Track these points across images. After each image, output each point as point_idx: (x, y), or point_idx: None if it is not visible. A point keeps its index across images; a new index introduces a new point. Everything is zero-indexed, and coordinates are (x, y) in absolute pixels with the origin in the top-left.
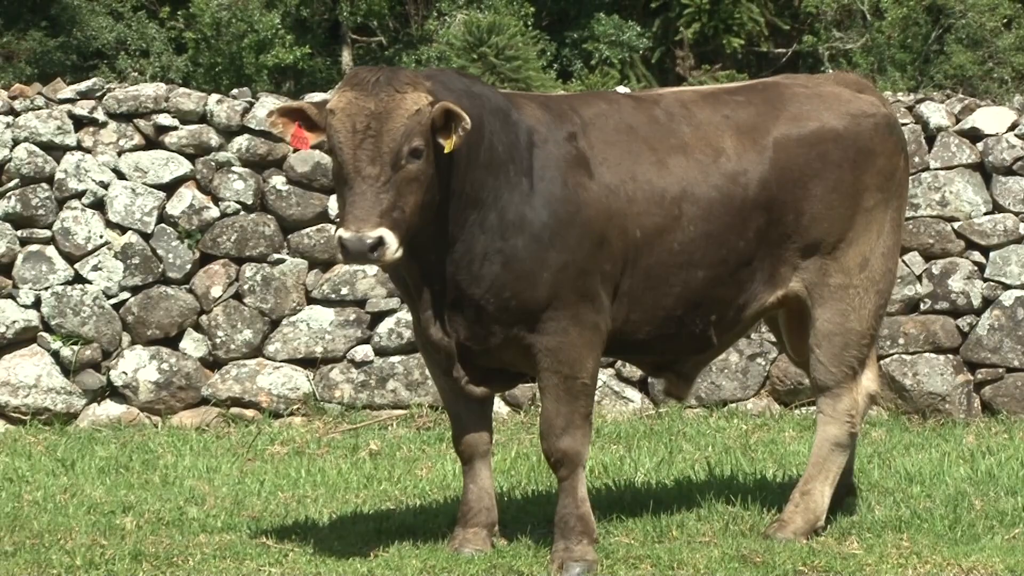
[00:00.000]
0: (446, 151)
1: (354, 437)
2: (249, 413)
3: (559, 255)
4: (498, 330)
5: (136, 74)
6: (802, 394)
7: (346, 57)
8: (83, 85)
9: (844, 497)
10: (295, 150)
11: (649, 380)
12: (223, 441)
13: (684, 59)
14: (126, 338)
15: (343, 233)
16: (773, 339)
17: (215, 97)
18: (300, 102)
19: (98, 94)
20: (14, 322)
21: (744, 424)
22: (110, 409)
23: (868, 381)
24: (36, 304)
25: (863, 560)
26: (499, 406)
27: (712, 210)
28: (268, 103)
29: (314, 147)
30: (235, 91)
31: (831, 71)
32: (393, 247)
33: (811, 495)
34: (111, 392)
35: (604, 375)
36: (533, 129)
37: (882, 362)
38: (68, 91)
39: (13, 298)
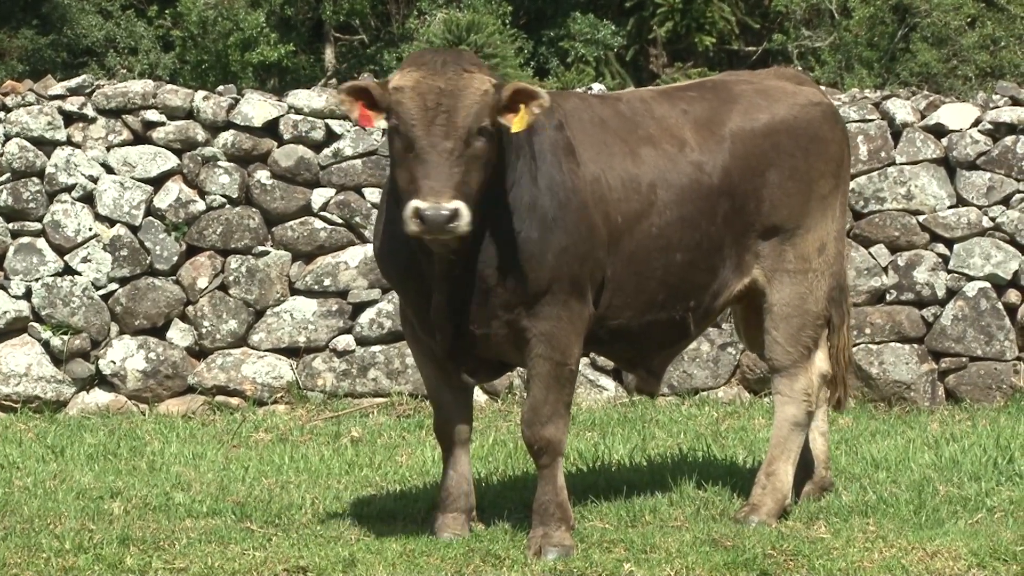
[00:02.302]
0: (513, 130)
1: (336, 424)
2: (234, 401)
3: (561, 239)
4: (502, 314)
5: (124, 71)
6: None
7: (329, 55)
8: (73, 82)
9: (803, 481)
10: (360, 126)
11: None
12: (209, 428)
13: (657, 57)
14: (114, 328)
15: (420, 204)
16: None
17: (201, 94)
18: (365, 80)
19: (88, 90)
20: (5, 312)
21: (715, 412)
22: (99, 397)
23: (820, 361)
24: (27, 295)
25: (830, 544)
26: (477, 394)
27: (684, 196)
28: (253, 99)
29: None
30: (221, 88)
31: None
32: (467, 219)
33: (776, 475)
34: (100, 381)
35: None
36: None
37: None
38: (58, 88)
39: (4, 289)
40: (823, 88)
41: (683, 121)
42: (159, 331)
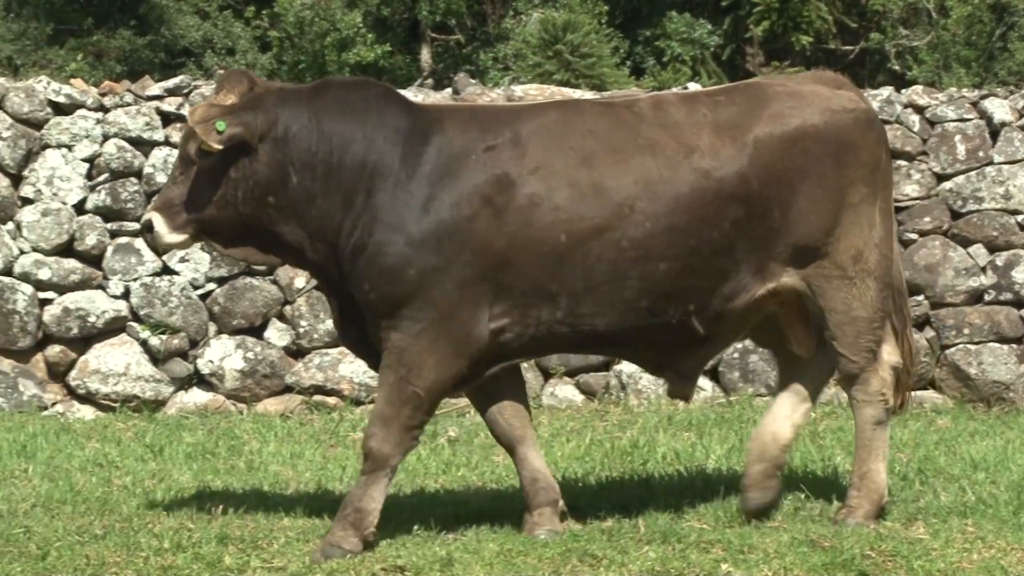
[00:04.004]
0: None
1: (433, 424)
2: (331, 400)
3: (429, 259)
4: (377, 322)
5: (222, 72)
6: None
7: (425, 55)
8: (171, 82)
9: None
10: None
11: (720, 369)
12: (306, 428)
13: (754, 56)
14: (212, 328)
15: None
16: None
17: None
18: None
19: (185, 91)
20: (104, 312)
21: (812, 412)
22: (197, 396)
23: (888, 355)
24: (125, 295)
25: (929, 545)
26: (573, 394)
27: (679, 204)
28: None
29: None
30: None
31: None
32: (160, 229)
33: (869, 476)
34: (198, 380)
35: None
36: (434, 139)
37: (947, 351)
38: (156, 88)
39: (103, 289)
40: (863, 92)
41: (702, 125)
42: (257, 331)
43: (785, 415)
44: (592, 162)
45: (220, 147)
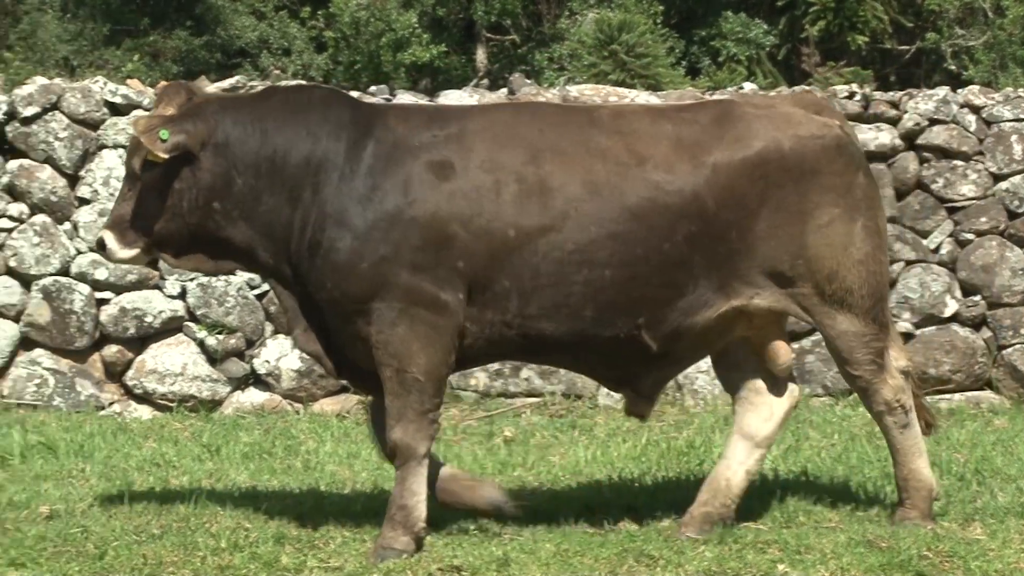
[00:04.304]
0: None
1: (489, 424)
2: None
3: (378, 248)
4: (344, 325)
5: (278, 72)
6: (927, 383)
7: (480, 55)
8: (227, 82)
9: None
10: None
11: None
12: (362, 428)
13: (809, 56)
14: (268, 327)
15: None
16: (900, 330)
17: (354, 94)
18: None
19: (240, 91)
20: (161, 312)
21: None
22: (253, 396)
23: (895, 360)
24: (182, 295)
25: (986, 545)
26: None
27: (625, 212)
28: (405, 100)
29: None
30: (373, 88)
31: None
32: (112, 246)
33: (913, 476)
34: (254, 380)
35: None
36: (377, 132)
37: (1004, 351)
38: (212, 88)
39: (160, 289)
40: (843, 115)
41: (661, 139)
42: None
43: (740, 461)
44: (539, 160)
45: (166, 155)
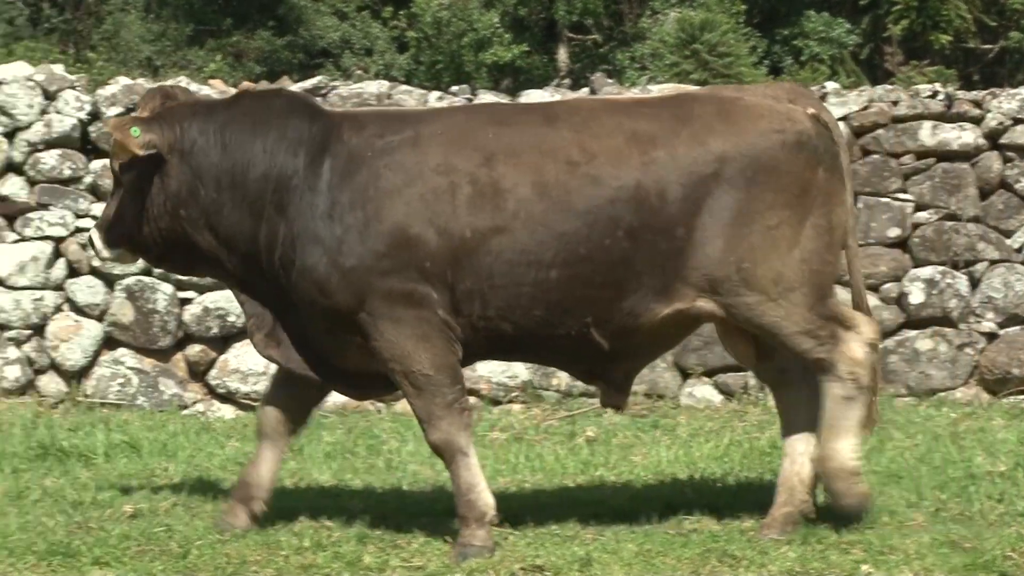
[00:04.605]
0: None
1: (571, 424)
2: (470, 400)
3: (346, 260)
4: (328, 334)
5: (360, 72)
6: (1011, 383)
7: (562, 55)
8: (309, 83)
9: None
10: None
11: None
12: None
13: (892, 55)
14: None
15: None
16: (983, 330)
17: (435, 94)
18: None
19: (323, 91)
20: None
21: (953, 413)
22: (336, 396)
23: (861, 333)
24: None
25: None
26: (711, 394)
27: (569, 211)
28: (487, 100)
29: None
30: (455, 88)
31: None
32: (98, 245)
33: (832, 456)
34: None
35: None
36: (333, 145)
37: None
38: (294, 89)
39: None
40: (822, 103)
41: (614, 135)
42: None
43: (801, 452)
44: (492, 163)
45: (141, 152)
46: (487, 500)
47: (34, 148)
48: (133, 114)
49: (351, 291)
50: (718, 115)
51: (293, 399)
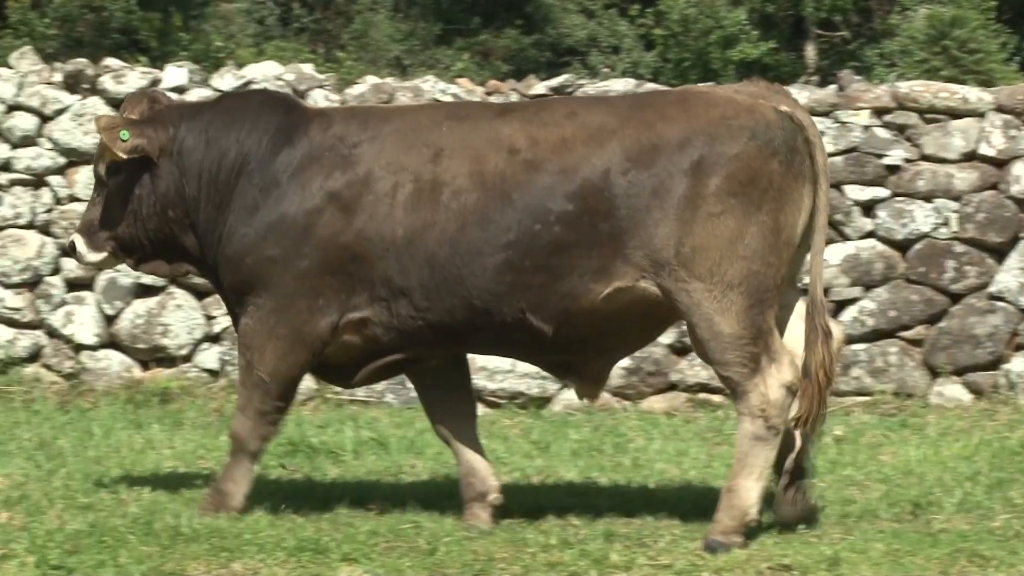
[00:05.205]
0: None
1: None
2: (716, 399)
3: (267, 249)
4: (232, 308)
5: (607, 70)
6: None
7: (810, 52)
8: (555, 81)
9: (800, 480)
10: None
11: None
12: (691, 426)
13: None
14: None
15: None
16: None
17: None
18: None
19: (569, 89)
20: None
21: None
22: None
23: (781, 373)
24: None
25: None
26: (961, 393)
27: (501, 198)
28: None
29: None
30: (701, 86)
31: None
32: (81, 250)
33: (734, 492)
34: None
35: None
36: (298, 140)
37: None
38: (541, 87)
39: None
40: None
41: (564, 126)
42: None
43: None
44: (439, 158)
45: (124, 155)
46: (237, 502)
47: None
48: (123, 116)
49: (255, 274)
50: (674, 103)
51: (441, 395)
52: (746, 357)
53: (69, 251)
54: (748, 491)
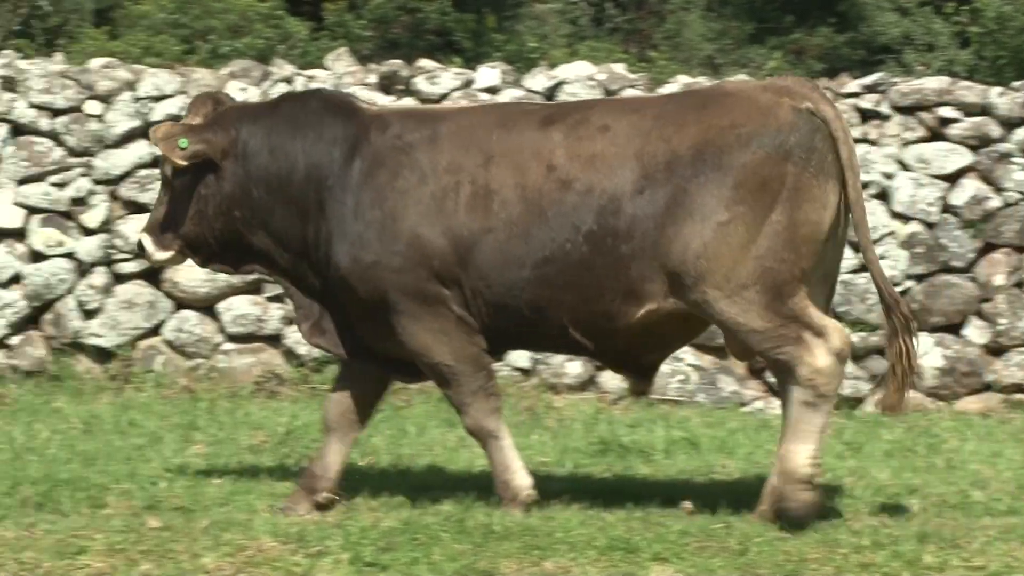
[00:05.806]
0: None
1: None
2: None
3: (367, 255)
4: (360, 323)
5: (921, 68)
6: None
7: None
8: (868, 79)
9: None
10: None
11: None
12: (1006, 426)
13: None
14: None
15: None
16: None
17: (997, 90)
18: None
19: (882, 88)
20: None
21: None
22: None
23: (829, 342)
24: None
25: None
26: None
27: (540, 214)
28: None
29: None
30: (1016, 83)
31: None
32: (149, 249)
33: (785, 457)
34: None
35: None
36: (362, 145)
37: None
38: (854, 85)
39: None
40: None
41: (595, 138)
42: (954, 328)
43: None
44: (489, 164)
45: (184, 163)
46: (520, 481)
47: None
48: (183, 121)
49: (367, 286)
50: (693, 110)
51: (356, 392)
52: (783, 341)
53: (137, 250)
54: (799, 454)
